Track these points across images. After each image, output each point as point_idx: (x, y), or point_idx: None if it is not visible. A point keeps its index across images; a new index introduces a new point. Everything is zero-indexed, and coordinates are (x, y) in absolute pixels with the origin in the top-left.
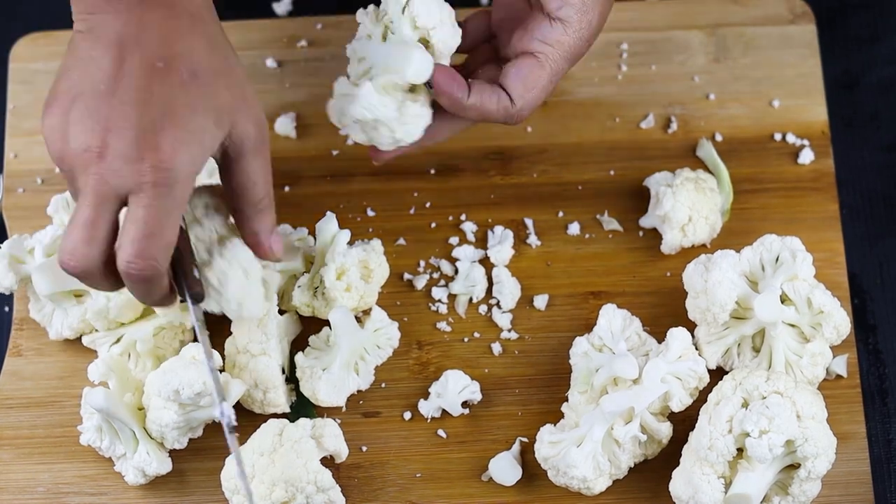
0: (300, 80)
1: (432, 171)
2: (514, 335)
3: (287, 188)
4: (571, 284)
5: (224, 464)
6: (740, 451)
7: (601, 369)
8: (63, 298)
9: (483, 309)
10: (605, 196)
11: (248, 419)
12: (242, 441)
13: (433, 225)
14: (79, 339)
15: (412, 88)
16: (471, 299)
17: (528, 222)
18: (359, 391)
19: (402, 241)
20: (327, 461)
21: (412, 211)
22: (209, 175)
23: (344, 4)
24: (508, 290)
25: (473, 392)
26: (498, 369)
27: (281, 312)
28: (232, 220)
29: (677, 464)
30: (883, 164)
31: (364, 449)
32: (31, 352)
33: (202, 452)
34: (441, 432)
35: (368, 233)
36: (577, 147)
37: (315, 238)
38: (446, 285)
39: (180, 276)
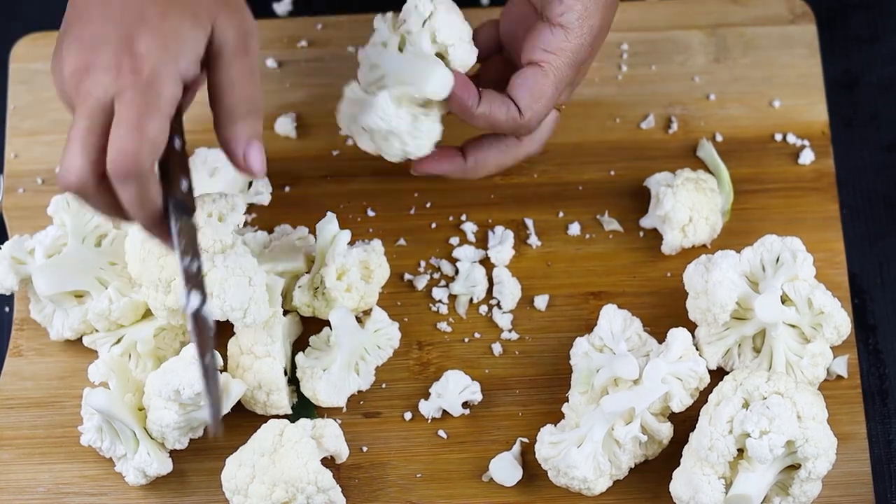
0: (300, 80)
1: None
2: (514, 335)
3: (287, 188)
4: (572, 285)
5: (225, 464)
6: (741, 451)
7: (602, 370)
8: (64, 299)
9: (483, 309)
10: (606, 196)
11: (250, 420)
12: (243, 441)
13: (433, 225)
14: (79, 339)
15: (426, 103)
16: (471, 300)
17: (529, 222)
18: (359, 391)
19: (402, 242)
20: (328, 461)
21: (412, 211)
22: (210, 174)
23: (344, 5)
24: (509, 291)
25: (474, 392)
26: (498, 370)
27: (283, 313)
28: (240, 226)
29: (678, 464)
30: (883, 164)
31: (364, 449)
32: (31, 352)
33: (203, 453)
34: (441, 433)
35: (369, 233)
36: (577, 147)
37: (315, 238)
38: (447, 286)
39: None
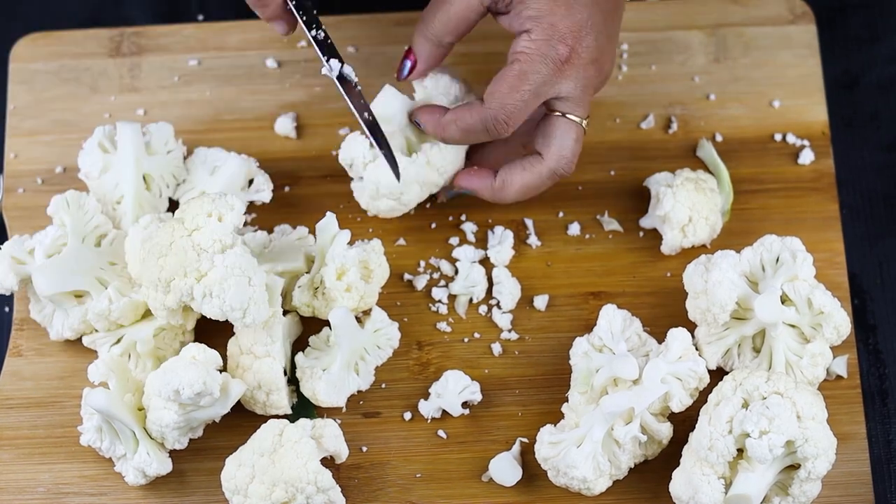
0: (300, 80)
1: None
2: (514, 335)
3: (287, 188)
4: (571, 285)
5: (224, 464)
6: (740, 451)
7: (601, 370)
8: (63, 299)
9: (483, 309)
10: (606, 196)
11: (249, 420)
12: (242, 441)
13: (433, 225)
14: (79, 339)
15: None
16: (471, 300)
17: (529, 222)
18: (359, 391)
19: (402, 242)
20: (327, 461)
21: (412, 211)
22: (210, 173)
23: (345, 5)
24: (508, 291)
25: (473, 392)
26: (498, 370)
27: (283, 313)
28: (240, 226)
29: (677, 464)
30: (883, 164)
31: (364, 449)
32: (31, 352)
33: (202, 453)
34: (441, 433)
35: (368, 233)
36: None
37: (315, 238)
38: (446, 286)
39: None
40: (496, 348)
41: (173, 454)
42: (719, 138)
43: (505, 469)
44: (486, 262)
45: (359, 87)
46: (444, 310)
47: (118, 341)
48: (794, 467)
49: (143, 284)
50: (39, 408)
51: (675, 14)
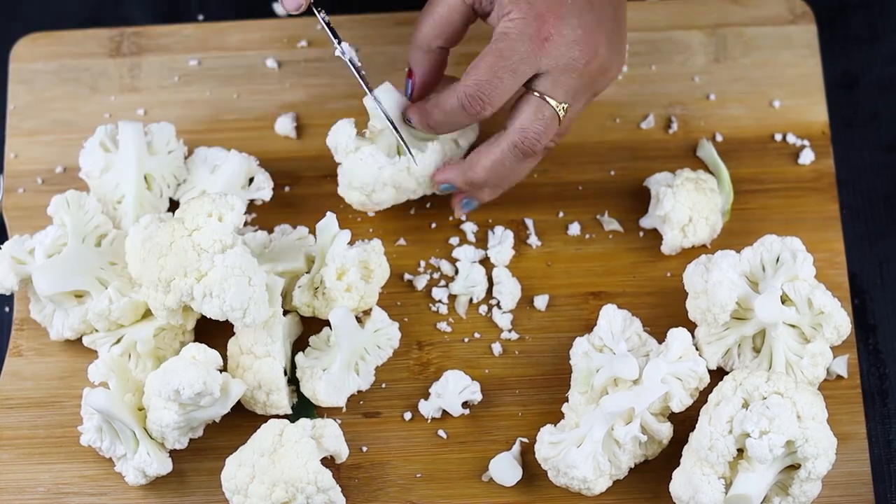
0: (300, 80)
1: None
2: (514, 335)
3: (287, 188)
4: (572, 285)
5: (224, 464)
6: (741, 451)
7: (601, 370)
8: (64, 299)
9: (483, 309)
10: (606, 196)
11: (250, 420)
12: (242, 441)
13: (433, 225)
14: (79, 339)
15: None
16: (471, 300)
17: (529, 222)
18: (359, 391)
19: (402, 242)
20: (328, 461)
21: (412, 211)
22: (210, 172)
23: (344, 5)
24: (509, 291)
25: (474, 392)
26: (498, 370)
27: (283, 313)
28: (240, 226)
29: (677, 464)
30: (883, 164)
31: (364, 449)
32: (31, 352)
33: (202, 453)
34: (441, 433)
35: (369, 233)
36: (577, 147)
37: (315, 238)
38: (447, 286)
39: None
40: (496, 348)
41: (173, 454)
42: (719, 138)
43: (505, 469)
44: (486, 262)
45: (363, 72)
46: (444, 310)
47: (118, 341)
48: (794, 467)
49: (143, 284)
50: (39, 408)
51: (675, 14)
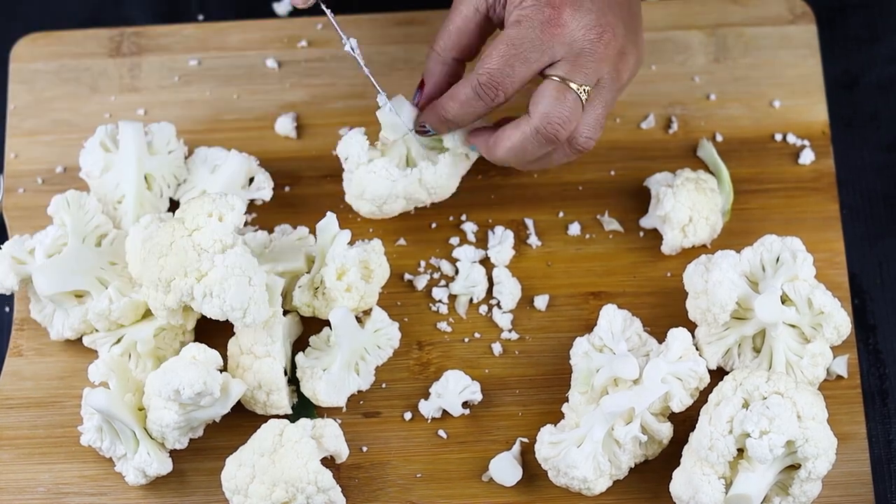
0: (300, 80)
1: None
2: (514, 335)
3: (287, 188)
4: (572, 285)
5: (225, 464)
6: (741, 451)
7: (602, 370)
8: (64, 299)
9: (483, 309)
10: (606, 196)
11: (250, 420)
12: (243, 441)
13: (433, 225)
14: (79, 339)
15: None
16: (471, 300)
17: (529, 222)
18: (359, 391)
19: (402, 242)
20: (328, 461)
21: (412, 211)
22: (210, 171)
23: (344, 5)
24: (509, 291)
25: (474, 392)
26: (498, 370)
27: (283, 313)
28: (240, 226)
29: (678, 464)
30: (883, 164)
31: (364, 449)
32: (31, 352)
33: (202, 453)
34: (441, 432)
35: (369, 233)
36: None
37: (315, 238)
38: (447, 286)
39: None
40: (496, 348)
41: (173, 454)
42: (719, 138)
43: (505, 469)
44: (486, 262)
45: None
46: (444, 310)
47: (118, 341)
48: (794, 467)
49: (143, 284)
50: (39, 408)
51: (675, 14)
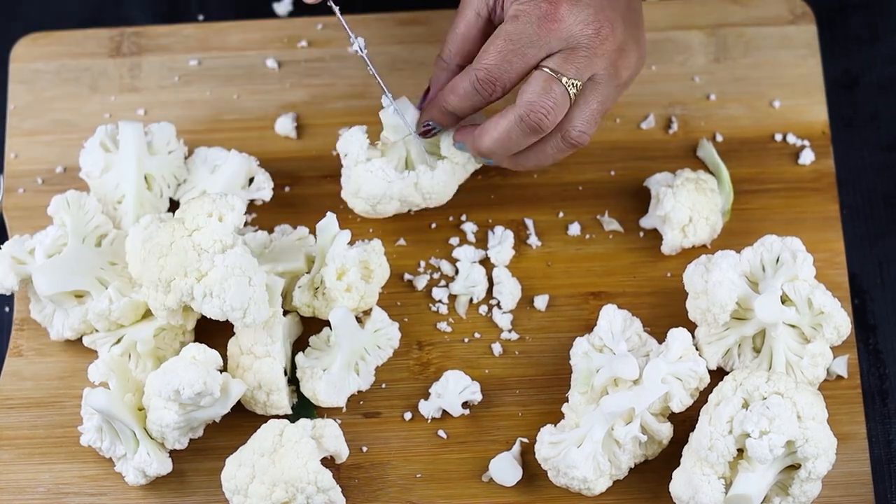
0: (300, 80)
1: None
2: (514, 336)
3: (287, 188)
4: (572, 285)
5: (225, 464)
6: (741, 451)
7: (602, 370)
8: (64, 299)
9: (483, 309)
10: (606, 196)
11: (250, 420)
12: (243, 441)
13: (433, 225)
14: (79, 339)
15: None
16: (471, 300)
17: (529, 223)
18: (359, 391)
19: (402, 242)
20: (328, 461)
21: (412, 211)
22: (210, 171)
23: (347, 4)
24: (509, 291)
25: (474, 392)
26: (498, 370)
27: (283, 313)
28: (240, 226)
29: (678, 464)
30: (883, 164)
31: (364, 449)
32: (31, 352)
33: (202, 453)
34: (441, 433)
35: (369, 233)
36: None
37: (315, 238)
38: (447, 286)
39: None
40: (496, 348)
41: (173, 454)
42: (719, 138)
43: (505, 469)
44: (486, 262)
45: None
46: (444, 310)
47: (118, 341)
48: (794, 467)
49: (143, 284)
50: (39, 408)
51: (675, 14)
